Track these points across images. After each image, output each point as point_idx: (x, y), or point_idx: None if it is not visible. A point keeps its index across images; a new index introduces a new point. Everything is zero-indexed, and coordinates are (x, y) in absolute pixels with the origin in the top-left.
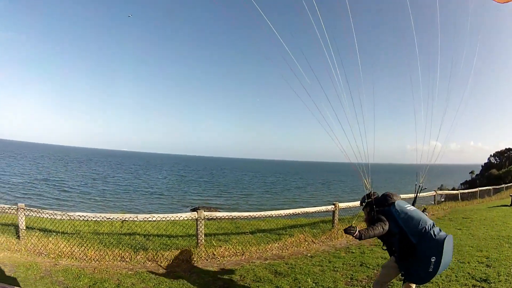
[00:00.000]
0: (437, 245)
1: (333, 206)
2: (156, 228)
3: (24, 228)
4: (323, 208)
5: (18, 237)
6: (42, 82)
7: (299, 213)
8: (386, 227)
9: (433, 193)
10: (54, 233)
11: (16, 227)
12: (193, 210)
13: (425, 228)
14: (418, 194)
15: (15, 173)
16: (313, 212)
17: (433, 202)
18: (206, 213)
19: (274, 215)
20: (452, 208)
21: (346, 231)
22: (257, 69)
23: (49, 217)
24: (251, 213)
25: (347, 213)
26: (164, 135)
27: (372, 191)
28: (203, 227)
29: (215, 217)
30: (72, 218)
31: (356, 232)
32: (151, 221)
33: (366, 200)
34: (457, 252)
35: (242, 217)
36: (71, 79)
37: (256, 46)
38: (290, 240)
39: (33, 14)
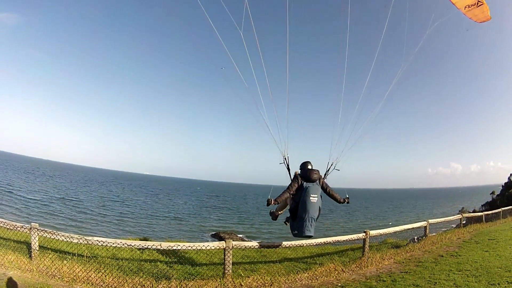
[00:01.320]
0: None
1: (364, 234)
2: (179, 256)
3: (37, 248)
4: (354, 236)
5: (30, 256)
6: (66, 102)
7: (330, 242)
8: (292, 191)
9: (459, 216)
10: (70, 256)
11: (29, 245)
12: (216, 236)
13: (305, 213)
14: (328, 171)
15: (31, 190)
16: (344, 240)
17: (455, 226)
18: (234, 243)
19: (305, 244)
20: (477, 231)
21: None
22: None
23: (65, 239)
24: (281, 242)
25: (376, 240)
26: (188, 160)
27: (303, 169)
28: (230, 256)
29: (243, 246)
30: (89, 242)
31: (269, 200)
32: (175, 249)
33: (303, 171)
34: (486, 273)
35: (272, 246)
36: (98, 101)
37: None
38: (320, 269)
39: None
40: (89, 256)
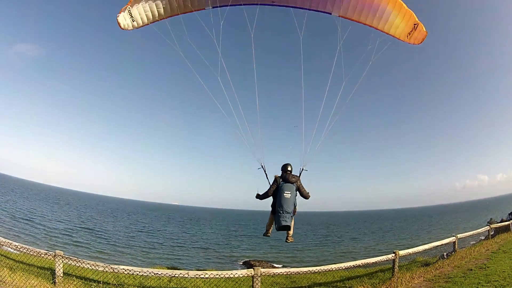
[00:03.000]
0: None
1: (393, 255)
2: (207, 284)
3: (61, 275)
4: (384, 257)
5: (54, 282)
6: (95, 134)
7: (359, 265)
8: (271, 192)
9: (487, 228)
10: (95, 283)
11: (53, 271)
12: (247, 264)
13: (280, 208)
14: (301, 174)
15: (57, 219)
16: (373, 262)
17: (483, 238)
18: (263, 270)
19: (334, 269)
20: (505, 240)
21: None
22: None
23: (90, 267)
24: (310, 268)
25: (406, 260)
26: (218, 189)
27: (284, 171)
28: (259, 284)
29: (272, 273)
30: (115, 271)
31: (257, 195)
32: (203, 278)
33: (283, 173)
34: None
35: (301, 272)
36: (123, 133)
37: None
38: None
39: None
40: (115, 284)
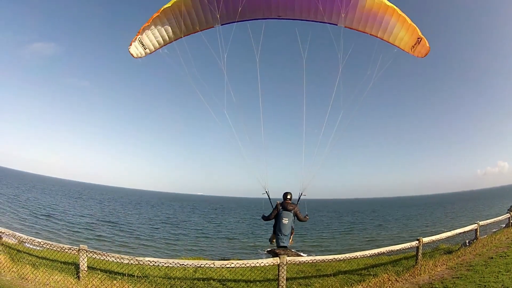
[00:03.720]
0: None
1: (417, 242)
2: (232, 273)
3: (86, 269)
4: (407, 245)
5: (78, 277)
6: (120, 128)
7: (384, 252)
8: (272, 216)
9: (507, 215)
10: (120, 276)
11: (77, 266)
12: (271, 253)
13: (279, 231)
14: (299, 198)
15: (79, 214)
16: (397, 249)
17: (504, 226)
18: (288, 258)
19: (359, 256)
20: None
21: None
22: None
23: (115, 260)
24: (335, 256)
25: (429, 247)
26: (244, 178)
27: (283, 201)
28: (285, 272)
29: (297, 262)
30: (141, 263)
31: (263, 216)
32: (229, 267)
33: (283, 201)
34: None
35: (326, 260)
36: (151, 125)
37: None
38: (374, 280)
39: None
40: (140, 276)
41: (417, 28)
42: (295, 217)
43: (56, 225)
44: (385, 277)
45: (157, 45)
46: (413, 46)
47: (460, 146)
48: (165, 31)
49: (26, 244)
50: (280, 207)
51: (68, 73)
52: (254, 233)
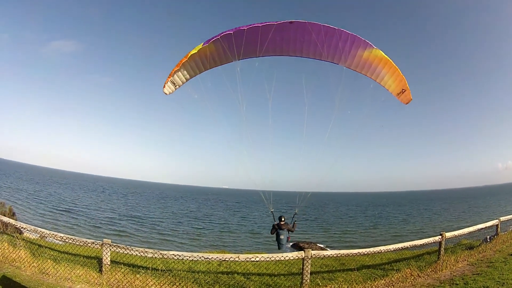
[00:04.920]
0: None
1: (440, 237)
2: (257, 267)
3: (109, 263)
4: (431, 239)
5: (101, 271)
6: (144, 123)
7: (407, 247)
8: (272, 233)
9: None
10: (143, 270)
11: (99, 260)
12: (296, 246)
13: (279, 241)
14: (294, 219)
15: (103, 208)
16: (421, 244)
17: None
18: (313, 252)
19: (383, 251)
20: None
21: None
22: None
23: (139, 254)
24: (359, 250)
25: (451, 243)
26: (267, 171)
27: (279, 221)
28: (309, 266)
29: (322, 255)
30: (165, 257)
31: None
32: (254, 261)
33: (279, 222)
34: None
35: (350, 254)
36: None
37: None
38: (396, 275)
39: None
40: (163, 270)
41: (404, 79)
42: (288, 232)
43: (78, 220)
44: (408, 272)
45: (184, 81)
46: (398, 94)
47: (481, 139)
48: (192, 70)
49: (48, 238)
50: (277, 227)
51: (91, 70)
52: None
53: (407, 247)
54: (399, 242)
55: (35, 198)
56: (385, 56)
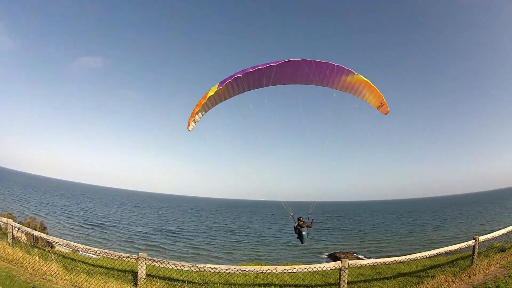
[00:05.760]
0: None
1: (473, 241)
2: (293, 278)
3: (144, 276)
4: (464, 244)
5: (135, 284)
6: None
7: (442, 253)
8: (296, 232)
9: None
10: (179, 283)
11: (134, 274)
12: (332, 257)
13: (301, 237)
14: (312, 218)
15: (136, 222)
16: (455, 249)
17: None
18: (350, 262)
19: (418, 257)
20: None
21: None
22: None
23: (175, 268)
24: (396, 258)
25: (485, 246)
26: (307, 181)
27: (299, 221)
28: (346, 276)
29: (359, 265)
30: (202, 270)
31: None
32: (291, 272)
33: (300, 222)
34: None
35: (387, 263)
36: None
37: None
38: (431, 282)
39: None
40: (200, 283)
41: (382, 96)
42: (307, 228)
43: (110, 234)
44: (442, 278)
45: (201, 116)
46: (378, 107)
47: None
48: (207, 107)
49: (80, 252)
50: (299, 227)
51: (121, 85)
52: (312, 237)
53: (442, 253)
54: (434, 249)
55: (66, 213)
56: (365, 79)
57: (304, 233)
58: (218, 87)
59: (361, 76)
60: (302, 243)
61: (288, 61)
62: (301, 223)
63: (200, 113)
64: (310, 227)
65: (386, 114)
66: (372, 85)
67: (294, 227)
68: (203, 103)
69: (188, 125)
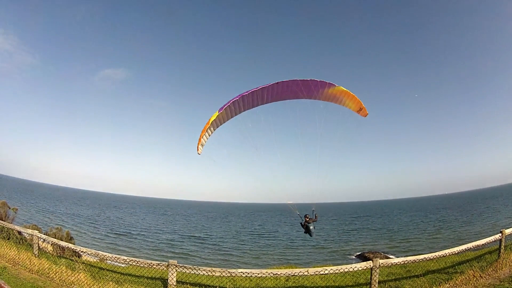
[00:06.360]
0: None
1: (500, 234)
2: (324, 280)
3: (174, 283)
4: (491, 238)
5: None
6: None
7: (470, 248)
8: (304, 227)
9: None
10: None
11: (164, 281)
12: (361, 257)
13: (309, 231)
14: (315, 213)
15: (165, 230)
16: (482, 244)
17: None
18: (381, 261)
19: (447, 254)
20: None
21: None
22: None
23: (206, 274)
24: (425, 256)
25: (510, 240)
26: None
27: (306, 217)
28: (377, 275)
29: (390, 264)
30: (233, 275)
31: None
32: (322, 274)
33: (306, 218)
34: None
35: (417, 260)
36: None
37: None
38: (460, 278)
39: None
40: None
41: (360, 102)
42: (313, 223)
43: (137, 243)
44: (470, 274)
45: (206, 139)
46: (357, 111)
47: None
48: (211, 131)
49: (108, 261)
50: (306, 223)
51: (147, 95)
52: (340, 238)
53: (470, 248)
54: (462, 244)
55: (92, 223)
56: (345, 89)
57: (311, 227)
58: (218, 112)
59: (341, 87)
60: (310, 236)
61: (277, 82)
62: (307, 219)
63: (205, 137)
64: (315, 221)
65: (365, 116)
66: (351, 93)
67: (301, 223)
68: (206, 128)
69: (197, 149)
